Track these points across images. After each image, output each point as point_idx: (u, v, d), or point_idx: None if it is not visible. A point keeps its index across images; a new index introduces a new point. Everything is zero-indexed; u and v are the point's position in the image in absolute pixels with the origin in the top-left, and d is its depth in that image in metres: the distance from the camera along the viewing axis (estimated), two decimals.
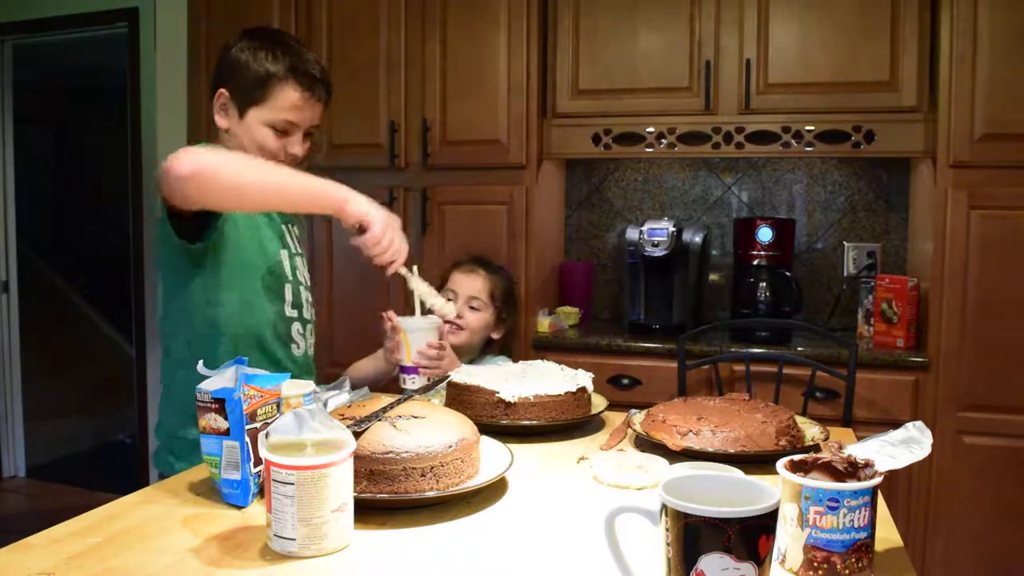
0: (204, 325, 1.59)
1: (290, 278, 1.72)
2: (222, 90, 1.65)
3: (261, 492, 1.14)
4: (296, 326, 1.73)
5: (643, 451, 1.40)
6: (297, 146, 1.68)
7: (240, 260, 1.61)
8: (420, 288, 1.70)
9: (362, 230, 1.51)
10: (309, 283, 1.81)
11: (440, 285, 2.26)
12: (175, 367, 1.63)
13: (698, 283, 2.87)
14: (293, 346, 1.71)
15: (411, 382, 1.77)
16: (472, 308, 2.14)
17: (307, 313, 1.77)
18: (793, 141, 2.71)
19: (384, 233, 1.51)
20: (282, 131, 1.65)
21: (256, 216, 1.66)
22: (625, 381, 2.71)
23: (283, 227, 1.75)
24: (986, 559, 2.48)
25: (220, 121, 1.67)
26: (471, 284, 2.16)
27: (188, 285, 1.58)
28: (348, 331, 3.05)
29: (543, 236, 2.99)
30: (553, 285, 3.17)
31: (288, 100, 1.63)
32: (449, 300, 1.94)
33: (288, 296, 1.71)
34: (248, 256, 1.63)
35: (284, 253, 1.72)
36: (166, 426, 1.65)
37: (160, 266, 1.65)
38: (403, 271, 1.61)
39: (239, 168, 1.44)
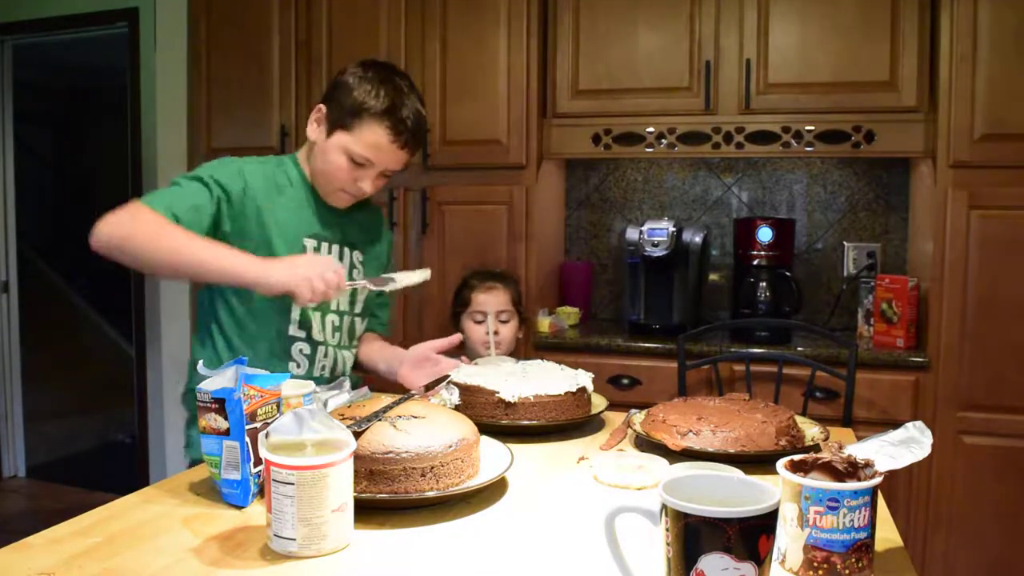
0: (225, 322, 1.67)
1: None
2: (321, 105, 1.68)
3: (261, 492, 1.14)
4: (300, 346, 1.69)
5: (643, 451, 1.40)
6: (368, 183, 1.67)
7: None
8: (386, 283, 1.71)
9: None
10: (348, 309, 1.77)
11: (460, 309, 2.36)
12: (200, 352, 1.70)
13: (698, 283, 2.87)
14: (292, 364, 1.68)
15: None
16: (503, 321, 2.31)
17: (320, 336, 1.71)
18: (793, 141, 2.71)
19: (311, 291, 1.48)
20: (359, 164, 1.65)
21: (282, 235, 1.64)
22: (625, 381, 2.71)
23: (309, 247, 1.70)
24: (986, 559, 2.48)
25: (311, 133, 1.70)
26: (496, 300, 2.31)
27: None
28: None
29: (543, 236, 2.99)
30: (553, 285, 3.17)
31: (373, 138, 1.63)
32: (479, 323, 2.29)
33: (295, 315, 1.67)
34: None
35: None
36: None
37: None
38: (352, 285, 1.65)
39: (151, 243, 1.47)
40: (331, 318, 1.74)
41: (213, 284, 1.66)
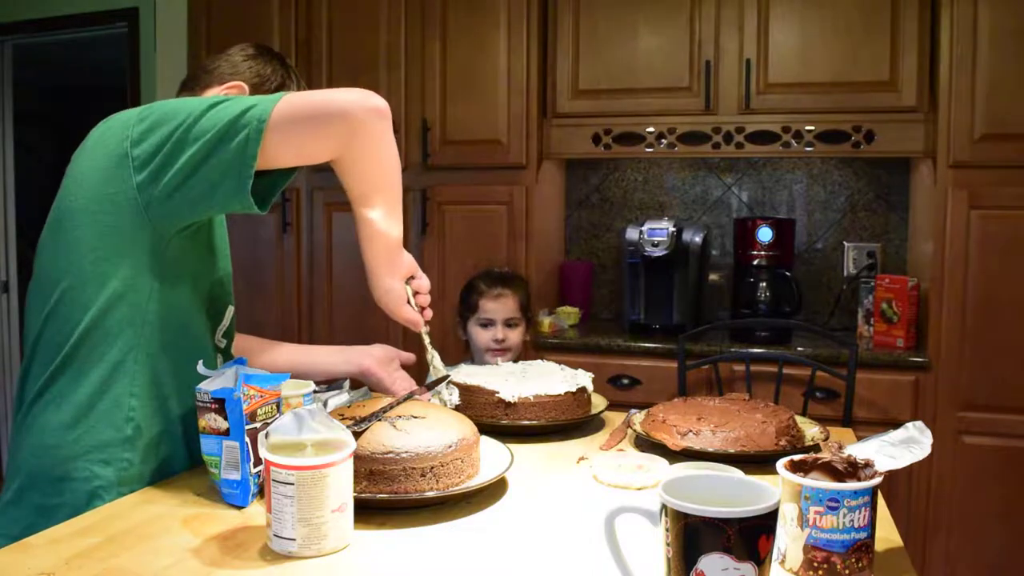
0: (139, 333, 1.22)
1: (232, 298, 1.42)
2: (243, 84, 1.46)
3: (261, 492, 1.14)
4: (219, 360, 1.37)
5: (643, 451, 1.40)
6: None
7: (194, 259, 1.30)
8: (437, 357, 1.55)
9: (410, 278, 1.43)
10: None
11: (468, 314, 2.29)
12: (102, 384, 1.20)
13: (698, 283, 2.87)
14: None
15: None
16: (511, 326, 2.26)
17: (230, 348, 1.44)
18: (793, 141, 2.71)
19: (397, 312, 1.40)
20: None
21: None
22: (625, 381, 2.71)
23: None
24: (986, 559, 2.47)
25: None
26: (504, 307, 2.27)
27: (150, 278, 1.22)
28: (348, 332, 3.05)
29: (543, 236, 2.99)
30: (553, 285, 3.17)
31: None
32: (488, 327, 2.22)
33: (225, 321, 1.39)
34: (206, 254, 1.33)
35: (230, 269, 1.44)
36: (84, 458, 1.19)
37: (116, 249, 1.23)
38: (426, 336, 1.48)
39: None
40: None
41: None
